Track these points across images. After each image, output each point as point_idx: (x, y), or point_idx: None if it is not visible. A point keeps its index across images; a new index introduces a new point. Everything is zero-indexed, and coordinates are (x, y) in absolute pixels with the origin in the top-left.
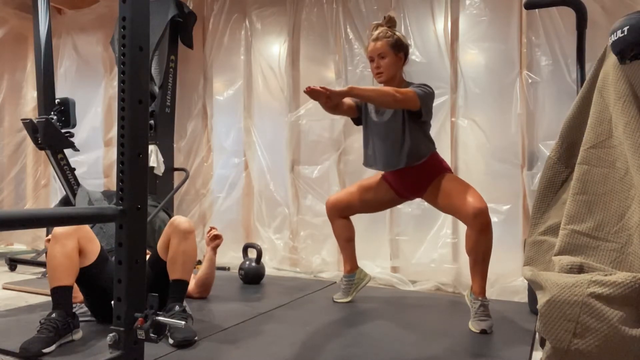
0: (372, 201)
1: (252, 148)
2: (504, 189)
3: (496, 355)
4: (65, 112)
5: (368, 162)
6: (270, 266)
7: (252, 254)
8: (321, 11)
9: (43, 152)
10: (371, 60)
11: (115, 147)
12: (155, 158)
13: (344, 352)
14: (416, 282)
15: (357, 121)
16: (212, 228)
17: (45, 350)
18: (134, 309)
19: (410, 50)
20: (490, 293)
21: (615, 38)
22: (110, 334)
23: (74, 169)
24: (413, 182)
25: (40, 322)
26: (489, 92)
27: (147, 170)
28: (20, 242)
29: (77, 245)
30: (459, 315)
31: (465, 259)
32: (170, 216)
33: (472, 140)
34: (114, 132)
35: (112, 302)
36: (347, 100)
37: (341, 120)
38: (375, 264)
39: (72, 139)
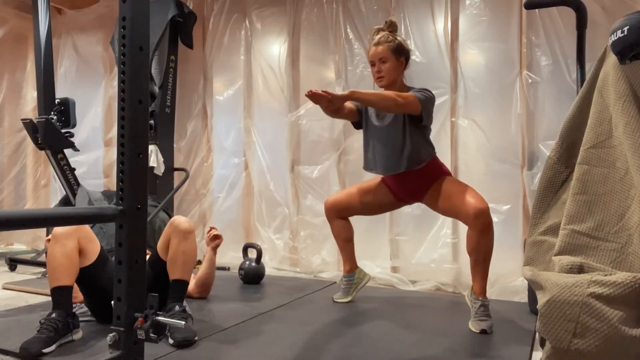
0: (372, 204)
1: (252, 148)
2: (504, 189)
3: (496, 355)
4: (65, 112)
5: (368, 166)
6: (270, 266)
7: (252, 254)
8: (321, 11)
9: (43, 152)
10: (372, 64)
11: (115, 147)
12: (155, 158)
13: (344, 352)
14: (416, 282)
15: (357, 125)
16: (212, 228)
17: (45, 350)
18: (134, 309)
19: (410, 50)
20: (490, 293)
21: (615, 38)
22: (110, 334)
23: (74, 169)
24: (413, 186)
25: (40, 322)
26: (489, 92)
27: (147, 170)
28: (20, 242)
29: (77, 245)
30: (459, 315)
31: (465, 259)
32: (170, 216)
33: (472, 140)
34: (114, 132)
35: (112, 302)
36: (348, 104)
37: (341, 120)
38: (375, 264)
39: (72, 139)
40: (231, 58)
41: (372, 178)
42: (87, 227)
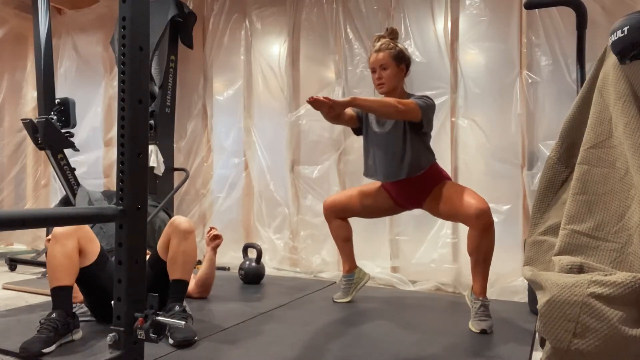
0: (371, 208)
1: (252, 148)
2: (504, 189)
3: (496, 355)
4: (65, 112)
5: (369, 173)
6: (270, 266)
7: (252, 254)
8: (321, 11)
9: (43, 152)
10: (373, 71)
11: (115, 147)
12: (155, 158)
13: (344, 352)
14: (416, 282)
15: (357, 131)
16: (212, 228)
17: (45, 350)
18: (134, 309)
19: (410, 50)
20: (490, 293)
21: (615, 38)
22: (110, 334)
23: (74, 169)
24: (413, 193)
25: (40, 322)
26: (489, 92)
27: (147, 170)
28: (20, 242)
29: (77, 245)
30: (459, 315)
31: (465, 259)
32: (170, 216)
33: (472, 140)
34: (114, 132)
35: (112, 302)
36: (348, 111)
37: None
38: (375, 264)
39: (72, 139)
40: (231, 58)
41: (372, 182)
42: (87, 227)
